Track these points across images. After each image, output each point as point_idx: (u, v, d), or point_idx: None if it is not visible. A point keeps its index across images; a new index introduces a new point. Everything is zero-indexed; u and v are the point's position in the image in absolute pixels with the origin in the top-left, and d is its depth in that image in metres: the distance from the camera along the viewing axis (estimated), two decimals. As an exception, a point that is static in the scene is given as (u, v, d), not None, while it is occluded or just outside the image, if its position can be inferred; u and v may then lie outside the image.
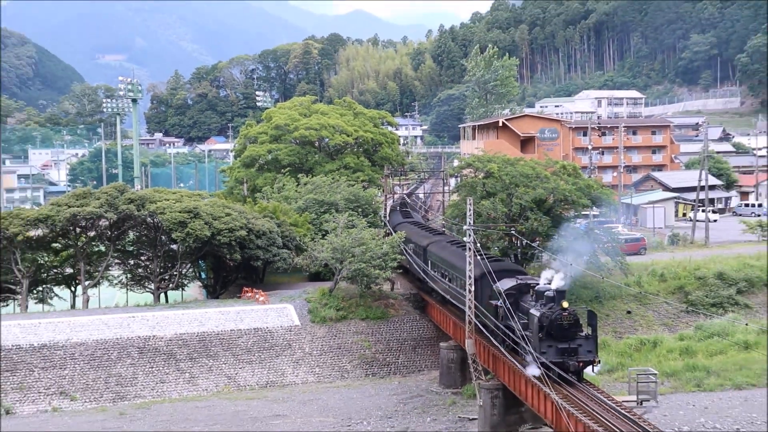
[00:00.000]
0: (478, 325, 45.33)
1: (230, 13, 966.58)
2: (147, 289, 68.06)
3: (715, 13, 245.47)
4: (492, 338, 44.62)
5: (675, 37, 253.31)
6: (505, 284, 41.21)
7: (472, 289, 45.97)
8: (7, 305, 65.87)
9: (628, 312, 61.58)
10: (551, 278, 37.93)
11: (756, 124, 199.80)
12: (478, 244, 48.38)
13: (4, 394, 51.45)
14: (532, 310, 36.76)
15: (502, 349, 41.33)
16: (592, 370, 35.51)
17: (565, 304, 35.01)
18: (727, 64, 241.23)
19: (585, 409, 33.61)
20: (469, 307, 46.38)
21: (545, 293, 36.45)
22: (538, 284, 38.92)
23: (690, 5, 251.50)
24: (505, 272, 44.54)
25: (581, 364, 34.90)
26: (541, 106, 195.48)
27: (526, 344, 36.30)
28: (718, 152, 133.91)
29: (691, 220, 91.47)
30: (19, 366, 53.11)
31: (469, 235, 46.36)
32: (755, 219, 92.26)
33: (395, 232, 65.39)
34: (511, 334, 38.73)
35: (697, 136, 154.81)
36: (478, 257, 45.67)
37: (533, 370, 35.59)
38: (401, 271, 64.81)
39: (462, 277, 47.12)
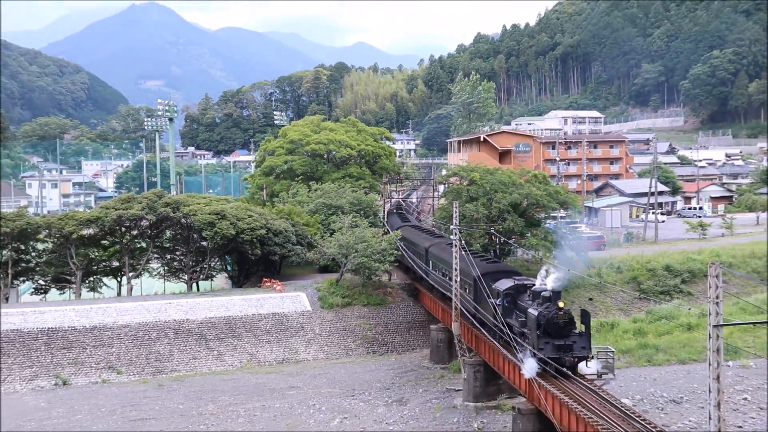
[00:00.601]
0: (474, 318, 43.93)
1: (252, 45, 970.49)
2: (181, 280, 68.65)
3: (662, 46, 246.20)
4: (480, 331, 43.19)
5: (629, 66, 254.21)
6: (504, 284, 39.08)
7: (458, 279, 46.32)
8: (64, 293, 66.46)
9: (590, 299, 61.82)
10: (546, 279, 36.17)
11: (697, 139, 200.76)
12: (463, 242, 48.78)
13: (61, 368, 51.98)
14: (530, 310, 34.51)
15: (498, 345, 39.22)
16: (586, 365, 33.43)
17: (561, 304, 33.09)
18: (673, 89, 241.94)
19: (554, 382, 34.07)
20: (455, 295, 46.71)
21: (541, 293, 34.45)
22: (534, 285, 36.79)
23: (641, 39, 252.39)
24: (503, 273, 42.47)
25: (576, 360, 33.13)
26: (516, 124, 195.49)
27: (524, 340, 34.82)
28: (665, 163, 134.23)
29: (642, 221, 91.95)
30: (74, 344, 53.51)
31: (456, 234, 46.96)
32: (696, 220, 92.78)
33: (395, 232, 65.12)
34: (508, 331, 36.59)
35: (647, 149, 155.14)
36: (479, 259, 44.52)
37: (532, 365, 33.57)
38: (397, 264, 65.35)
39: (463, 277, 45.46)
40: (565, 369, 33.07)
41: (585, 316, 34.04)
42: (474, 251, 53.11)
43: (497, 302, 38.39)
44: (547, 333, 32.94)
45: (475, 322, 45.24)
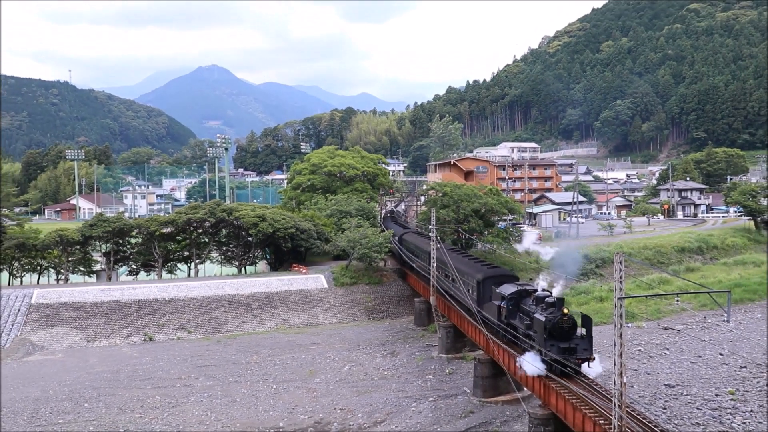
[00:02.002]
0: (477, 317, 37.10)
1: (285, 95, 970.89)
2: (233, 265, 68.24)
3: (581, 97, 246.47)
4: (472, 330, 38.16)
5: (557, 110, 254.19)
6: (508, 289, 33.02)
7: (434, 264, 46.19)
8: (150, 274, 66.33)
9: (530, 279, 62.07)
10: (547, 286, 31.67)
11: (606, 164, 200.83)
12: (440, 237, 48.72)
13: (148, 328, 51.87)
14: (536, 315, 28.67)
15: (501, 343, 32.83)
16: (588, 366, 28.02)
17: (566, 310, 27.80)
18: (589, 127, 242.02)
19: (504, 340, 33.97)
20: (433, 277, 46.65)
21: (546, 299, 29.04)
22: (536, 290, 31.33)
23: (566, 91, 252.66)
24: (504, 277, 36.38)
25: (579, 361, 27.84)
26: (476, 152, 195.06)
27: (531, 342, 29.24)
28: (584, 181, 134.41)
29: (568, 223, 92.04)
30: (157, 312, 53.45)
31: (433, 232, 46.92)
32: (605, 222, 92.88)
33: (402, 236, 62.78)
34: (512, 331, 31.78)
35: (571, 171, 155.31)
36: (483, 266, 39.47)
37: (538, 364, 28.20)
38: (390, 254, 65.25)
39: (466, 280, 39.07)
40: (569, 370, 27.59)
41: (586, 321, 28.40)
42: (453, 247, 51.05)
43: (502, 305, 32.86)
44: (553, 336, 27.55)
45: (451, 302, 41.62)
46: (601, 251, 68.95)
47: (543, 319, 27.87)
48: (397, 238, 62.89)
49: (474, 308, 36.87)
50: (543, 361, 27.94)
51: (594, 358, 28.09)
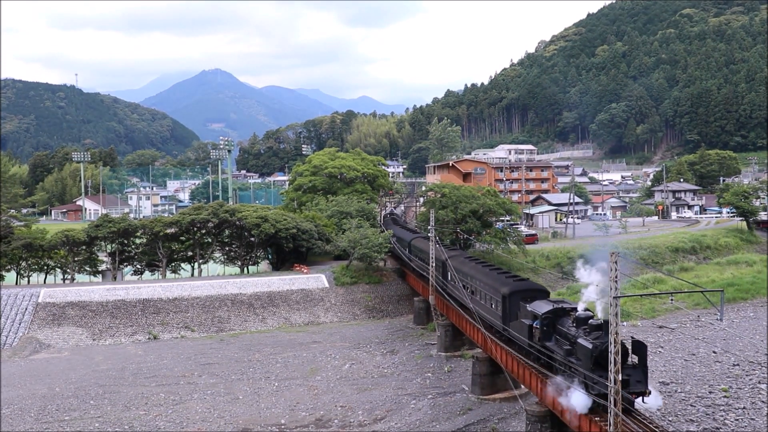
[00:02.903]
0: (502, 336, 32.36)
1: (287, 98, 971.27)
2: (236, 265, 68.08)
3: (577, 100, 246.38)
4: (508, 351, 31.65)
5: (554, 113, 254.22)
6: (542, 307, 27.75)
7: (434, 264, 46.10)
8: (154, 274, 66.18)
9: (527, 278, 61.82)
10: (587, 304, 25.58)
11: (601, 166, 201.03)
12: (438, 237, 48.53)
13: (152, 327, 51.77)
14: (581, 340, 23.55)
15: (534, 364, 27.87)
16: (642, 401, 22.53)
17: None
18: (585, 130, 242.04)
19: (504, 341, 33.77)
20: (432, 276, 46.45)
21: (590, 321, 24.07)
22: (574, 309, 26.12)
23: (562, 95, 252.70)
24: (534, 292, 31.17)
25: (633, 396, 22.23)
26: (474, 154, 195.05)
27: (572, 371, 23.97)
28: (580, 182, 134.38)
29: (564, 223, 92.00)
30: (161, 310, 53.33)
31: (432, 232, 46.85)
32: (601, 222, 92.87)
33: (411, 242, 58.01)
34: (547, 354, 26.47)
35: (567, 173, 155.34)
36: (509, 278, 34.03)
37: (584, 400, 23.21)
38: (390, 254, 65.14)
39: (488, 293, 34.11)
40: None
41: (639, 347, 22.77)
42: (472, 256, 45.23)
43: (534, 325, 27.63)
44: (601, 365, 22.10)
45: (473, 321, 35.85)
46: (596, 251, 68.69)
47: (590, 345, 22.76)
48: (406, 244, 58.69)
49: (499, 326, 32.16)
50: (588, 393, 22.91)
51: (650, 392, 22.69)
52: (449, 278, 42.91)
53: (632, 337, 24.16)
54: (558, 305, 27.23)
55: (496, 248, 64.72)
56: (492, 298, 33.48)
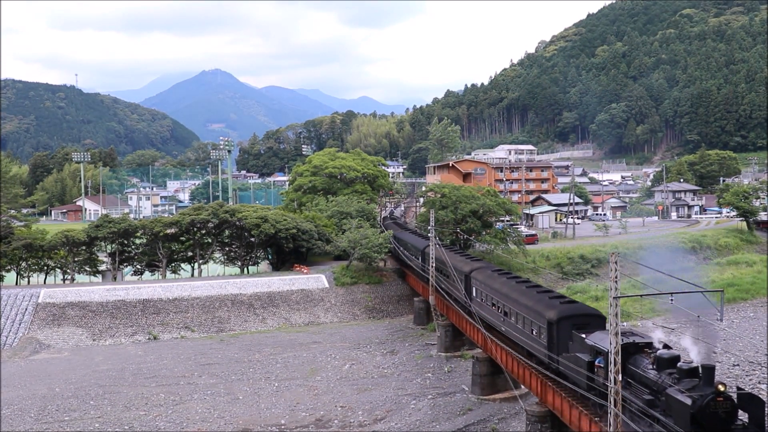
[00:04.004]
0: (548, 370, 26.75)
1: (287, 98, 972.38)
2: (236, 265, 68.17)
3: (577, 100, 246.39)
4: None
5: (554, 113, 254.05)
6: (603, 340, 22.02)
7: (434, 264, 46.02)
8: (154, 274, 66.23)
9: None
10: (664, 338, 20.61)
11: (601, 166, 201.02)
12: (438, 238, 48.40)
13: (152, 327, 51.77)
14: (674, 392, 18.02)
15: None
16: None
17: (721, 387, 17.23)
18: (585, 130, 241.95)
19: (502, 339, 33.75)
20: (432, 276, 46.47)
21: (680, 365, 19.13)
22: (649, 344, 21.53)
23: (562, 95, 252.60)
24: (587, 317, 25.83)
25: None
26: (474, 154, 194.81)
27: (656, 423, 18.60)
28: (579, 183, 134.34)
29: (564, 223, 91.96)
30: (162, 311, 53.35)
31: (431, 232, 46.84)
32: (601, 222, 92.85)
33: (424, 249, 51.89)
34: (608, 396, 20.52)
35: (567, 173, 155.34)
36: (553, 298, 28.51)
37: None
38: (390, 254, 65.12)
39: (527, 316, 28.67)
40: None
41: (750, 402, 17.40)
42: (499, 268, 39.83)
43: (598, 363, 21.98)
44: (702, 426, 17.11)
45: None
46: (596, 251, 68.90)
47: (688, 401, 17.40)
48: (418, 252, 52.63)
49: (543, 356, 26.75)
50: None
51: None
52: (474, 295, 37.03)
53: (738, 388, 18.67)
54: (626, 338, 21.63)
55: (496, 248, 64.74)
56: (533, 323, 28.00)
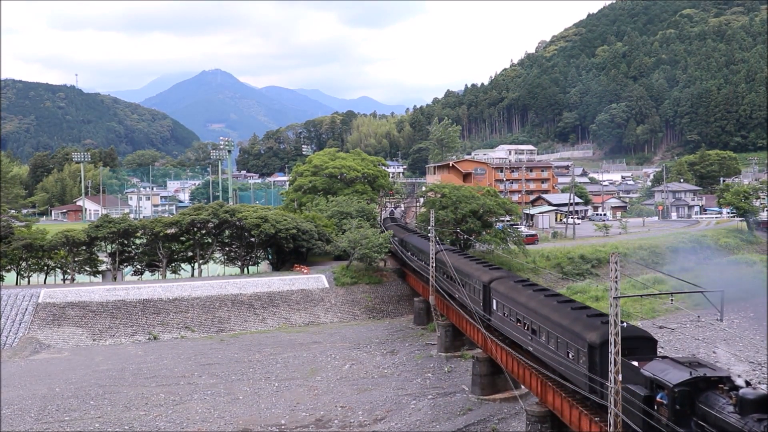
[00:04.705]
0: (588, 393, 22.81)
1: (287, 98, 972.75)
2: (236, 265, 68.15)
3: (577, 100, 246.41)
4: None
5: (554, 113, 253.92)
6: (669, 372, 18.70)
7: (434, 264, 46.05)
8: (154, 274, 66.23)
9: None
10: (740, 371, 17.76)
11: (601, 166, 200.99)
12: (438, 238, 48.33)
13: (152, 327, 51.77)
14: None
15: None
16: None
17: None
18: (585, 130, 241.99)
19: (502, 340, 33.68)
20: (432, 276, 46.59)
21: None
22: (726, 378, 18.15)
23: (562, 95, 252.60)
24: (635, 340, 22.07)
25: None
26: (474, 154, 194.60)
27: None
28: (580, 183, 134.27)
29: (564, 223, 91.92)
30: (162, 311, 53.35)
31: (432, 232, 46.83)
32: (601, 223, 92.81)
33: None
34: None
35: (567, 173, 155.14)
36: (592, 316, 24.89)
37: None
38: (390, 254, 65.09)
39: (568, 340, 24.73)
40: None
41: None
42: (525, 279, 35.83)
43: (660, 399, 18.59)
44: None
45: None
46: (596, 251, 68.88)
47: None
48: (433, 259, 46.47)
49: (582, 383, 23.31)
50: None
51: None
52: (495, 308, 33.56)
53: None
54: (695, 371, 18.18)
55: (496, 248, 64.75)
56: (569, 344, 24.56)
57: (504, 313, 31.86)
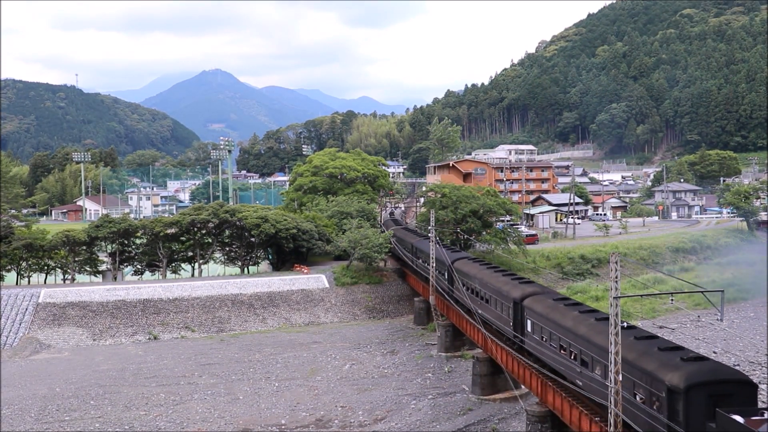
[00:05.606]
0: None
1: (287, 98, 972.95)
2: (236, 265, 68.08)
3: (577, 100, 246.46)
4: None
5: (554, 113, 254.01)
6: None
7: (434, 264, 46.01)
8: (154, 274, 66.20)
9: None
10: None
11: (601, 166, 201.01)
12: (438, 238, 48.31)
13: (152, 327, 51.77)
14: None
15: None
16: None
17: None
18: (585, 130, 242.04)
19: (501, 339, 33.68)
20: (432, 277, 46.57)
21: None
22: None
23: (562, 95, 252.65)
24: (732, 385, 17.74)
25: None
26: (474, 154, 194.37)
27: None
28: (580, 183, 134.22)
29: (564, 223, 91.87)
30: (162, 311, 53.34)
31: (432, 232, 46.81)
32: (602, 223, 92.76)
33: (454, 264, 42.40)
34: None
35: (567, 173, 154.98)
36: (666, 350, 20.72)
37: None
38: (390, 254, 65.06)
39: (638, 380, 19.88)
40: None
41: None
42: (563, 296, 30.64)
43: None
44: None
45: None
46: (597, 251, 68.84)
47: None
48: (444, 268, 43.58)
49: None
50: None
51: None
52: (529, 329, 28.72)
53: None
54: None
55: (496, 248, 64.76)
56: (639, 385, 19.89)
57: (542, 337, 27.06)
